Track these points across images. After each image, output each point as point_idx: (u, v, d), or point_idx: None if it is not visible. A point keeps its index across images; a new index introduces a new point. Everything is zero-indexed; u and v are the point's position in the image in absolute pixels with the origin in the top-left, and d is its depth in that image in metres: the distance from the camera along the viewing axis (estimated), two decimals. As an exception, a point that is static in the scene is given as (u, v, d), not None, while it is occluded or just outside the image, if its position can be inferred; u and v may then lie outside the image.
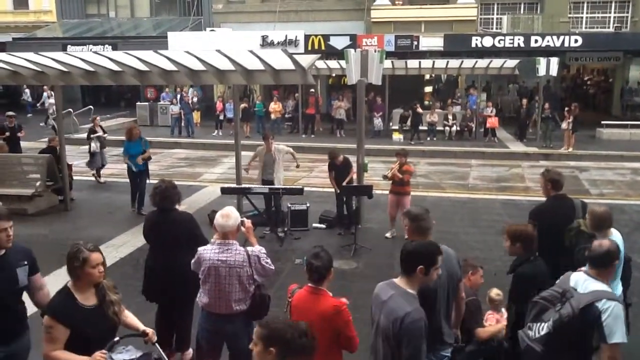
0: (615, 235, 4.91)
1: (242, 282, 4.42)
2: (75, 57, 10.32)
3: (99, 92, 31.21)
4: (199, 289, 4.58)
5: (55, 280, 7.70)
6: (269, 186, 9.91)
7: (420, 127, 21.58)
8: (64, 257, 8.88)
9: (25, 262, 4.09)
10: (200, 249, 4.55)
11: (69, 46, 26.03)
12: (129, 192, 11.55)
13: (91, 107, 24.75)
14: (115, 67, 10.40)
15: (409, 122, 21.20)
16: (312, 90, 22.76)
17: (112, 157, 12.95)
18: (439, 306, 3.81)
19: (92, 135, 14.11)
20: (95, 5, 32.42)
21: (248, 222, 4.64)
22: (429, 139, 21.06)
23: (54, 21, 31.60)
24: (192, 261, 4.60)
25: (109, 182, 14.12)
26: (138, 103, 26.69)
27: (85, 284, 3.68)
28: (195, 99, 24.11)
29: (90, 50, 23.55)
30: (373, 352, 3.59)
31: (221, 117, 22.88)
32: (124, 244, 9.34)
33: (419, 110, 21.24)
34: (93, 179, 14.96)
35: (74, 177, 12.91)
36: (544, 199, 6.22)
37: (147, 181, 11.03)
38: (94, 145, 13.97)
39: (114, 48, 24.85)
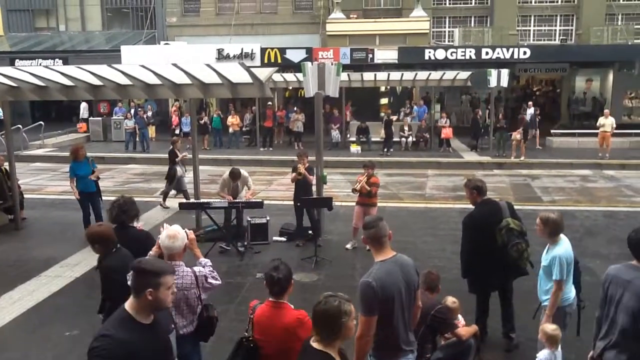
0: (564, 239, 5.08)
1: (190, 305, 4.30)
2: (24, 71, 10.03)
3: (49, 106, 30.36)
4: None
5: (6, 304, 7.46)
6: (228, 200, 9.80)
7: (374, 139, 21.95)
8: (16, 278, 8.63)
9: (173, 326, 3.53)
10: None
11: (17, 60, 25.29)
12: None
13: (41, 122, 24.07)
14: (67, 82, 10.15)
15: (383, 134, 21.41)
16: (270, 103, 22.77)
17: (65, 173, 12.55)
18: (396, 315, 3.84)
19: (177, 159, 13.02)
20: (44, 18, 31.65)
21: (191, 234, 4.48)
22: (385, 150, 21.31)
23: (0, 35, 30.67)
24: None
25: (60, 200, 13.72)
26: (91, 118, 26.11)
27: (340, 341, 3.23)
28: (149, 113, 23.78)
29: (40, 64, 22.99)
30: (610, 324, 4.13)
31: (177, 132, 22.59)
32: (79, 263, 9.07)
33: (393, 119, 21.66)
34: (44, 196, 14.52)
35: (25, 196, 12.47)
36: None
37: (101, 201, 10.60)
38: (180, 170, 12.95)
39: (65, 62, 24.25)
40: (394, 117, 22.70)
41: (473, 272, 6.20)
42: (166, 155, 20.85)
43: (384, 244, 3.95)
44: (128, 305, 3.13)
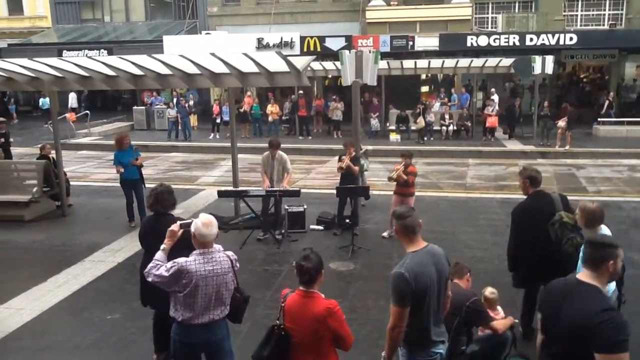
0: (605, 230, 4.89)
1: (229, 289, 4.34)
2: (69, 62, 10.30)
3: (95, 96, 31.16)
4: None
5: (52, 287, 7.74)
6: (266, 188, 9.85)
7: (413, 128, 21.73)
8: (61, 263, 8.93)
9: None
10: (181, 261, 4.19)
11: (64, 51, 25.99)
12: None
13: (88, 112, 24.75)
14: (109, 72, 10.38)
15: (421, 121, 21.15)
16: (301, 92, 22.71)
17: (110, 161, 12.84)
18: (427, 305, 3.79)
19: (360, 152, 11.97)
20: (90, 10, 32.40)
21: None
22: (426, 138, 21.07)
23: (49, 27, 31.58)
24: (167, 273, 4.14)
25: (104, 187, 14.08)
26: (135, 107, 26.70)
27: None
28: (191, 102, 24.12)
29: (86, 55, 23.57)
30: None
31: (218, 120, 22.88)
32: (122, 249, 9.32)
33: (432, 105, 21.74)
34: (90, 184, 14.92)
35: (71, 183, 12.86)
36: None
37: (144, 188, 10.79)
38: (365, 164, 11.66)
39: (110, 53, 24.84)
40: (432, 103, 22.49)
41: (519, 266, 6.00)
42: (207, 144, 21.39)
43: (417, 233, 3.89)
44: (588, 278, 3.25)
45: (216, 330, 4.36)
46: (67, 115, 25.12)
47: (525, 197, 6.06)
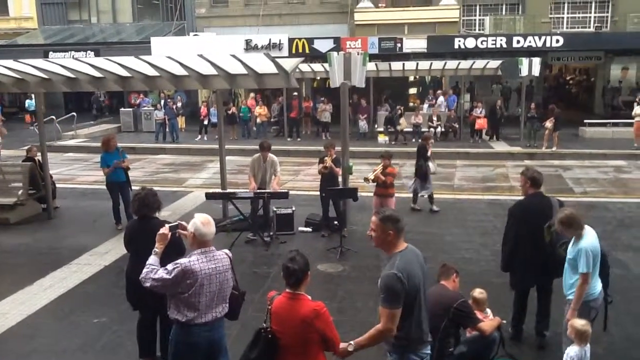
0: (589, 232, 4.94)
1: (230, 286, 4.39)
2: (55, 63, 10.20)
3: (82, 98, 30.90)
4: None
5: (38, 290, 7.66)
6: (254, 190, 9.82)
7: (407, 129, 21.80)
8: (47, 266, 8.84)
9: None
10: (184, 261, 4.16)
11: (50, 53, 25.81)
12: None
13: (74, 114, 24.54)
14: (96, 74, 10.30)
15: (404, 123, 21.23)
16: (295, 93, 22.72)
17: (97, 163, 12.74)
18: (419, 304, 3.81)
19: (428, 155, 11.76)
20: (76, 11, 32.14)
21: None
22: (414, 140, 21.12)
23: (35, 28, 31.30)
24: (169, 276, 4.10)
25: (91, 190, 13.97)
26: (122, 109, 26.52)
27: None
28: (179, 104, 24.01)
29: (72, 56, 23.40)
30: None
31: (205, 122, 22.80)
32: (108, 252, 9.25)
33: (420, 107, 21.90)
34: (76, 186, 14.79)
35: (57, 185, 12.74)
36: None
37: (130, 191, 10.71)
38: (432, 167, 11.80)
39: (97, 54, 24.65)
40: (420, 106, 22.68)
41: (513, 265, 6.03)
42: (195, 146, 21.30)
43: (403, 235, 3.91)
44: None
45: (219, 328, 4.40)
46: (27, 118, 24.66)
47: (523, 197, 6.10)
